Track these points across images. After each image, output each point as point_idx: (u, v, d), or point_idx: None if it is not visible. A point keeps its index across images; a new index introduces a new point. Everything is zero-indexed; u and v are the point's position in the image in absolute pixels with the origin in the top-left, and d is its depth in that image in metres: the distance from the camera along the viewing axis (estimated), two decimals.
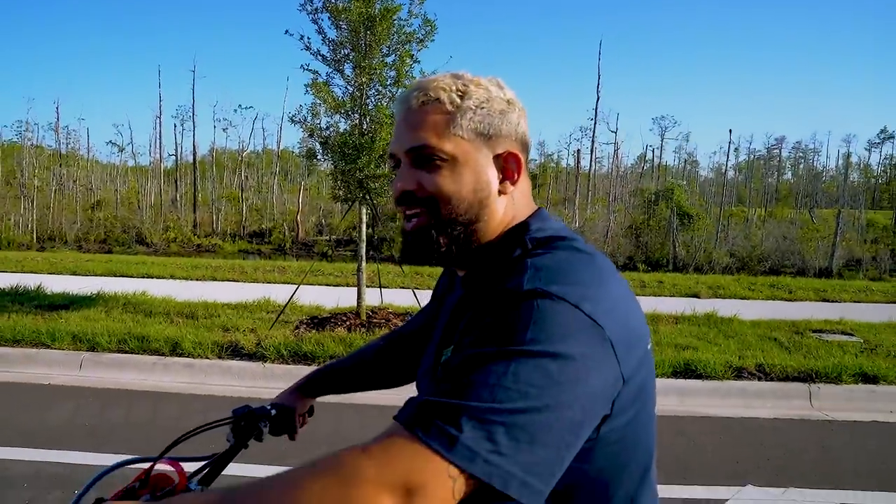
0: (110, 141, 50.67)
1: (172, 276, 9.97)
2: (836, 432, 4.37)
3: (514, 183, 1.00)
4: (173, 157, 39.82)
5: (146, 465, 1.09)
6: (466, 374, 0.76)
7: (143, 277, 9.79)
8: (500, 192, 0.99)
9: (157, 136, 35.59)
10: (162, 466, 1.09)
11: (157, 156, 36.89)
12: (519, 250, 0.93)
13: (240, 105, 64.07)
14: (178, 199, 34.58)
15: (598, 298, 0.81)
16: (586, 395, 0.77)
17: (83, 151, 39.72)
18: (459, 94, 0.96)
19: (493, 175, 0.98)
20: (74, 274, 10.05)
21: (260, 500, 0.71)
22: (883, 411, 4.76)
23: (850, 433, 4.36)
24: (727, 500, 3.16)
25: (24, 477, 3.31)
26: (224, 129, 55.26)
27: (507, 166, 0.99)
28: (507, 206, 1.00)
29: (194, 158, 34.22)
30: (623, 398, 0.83)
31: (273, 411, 1.34)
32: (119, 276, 9.80)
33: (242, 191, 34.38)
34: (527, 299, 0.79)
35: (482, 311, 0.84)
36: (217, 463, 1.21)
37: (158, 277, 9.87)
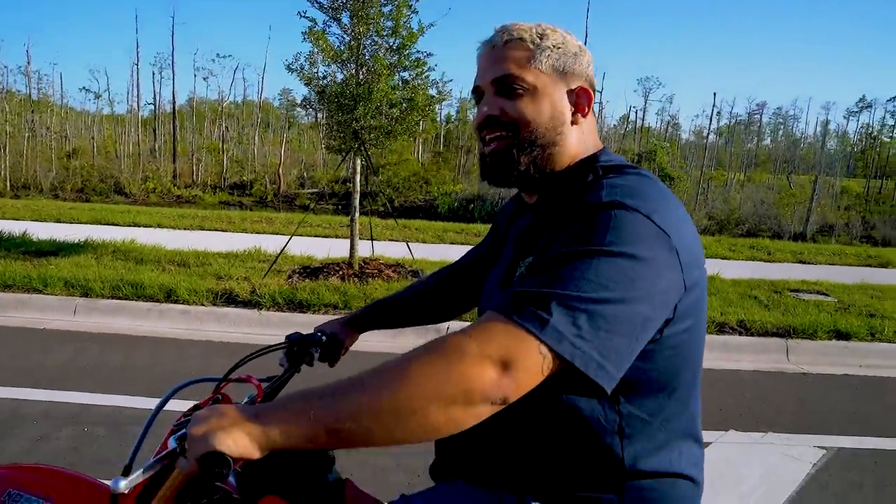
0: (84, 87, 49.27)
1: (160, 225, 9.92)
2: (810, 384, 4.59)
3: (584, 115, 1.11)
4: (151, 106, 38.99)
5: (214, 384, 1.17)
6: (554, 268, 0.86)
7: (130, 226, 9.74)
8: (573, 123, 1.09)
9: (135, 84, 34.57)
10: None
11: (135, 104, 35.99)
12: (591, 175, 1.03)
13: (219, 54, 62.36)
14: (157, 149, 33.93)
15: (665, 213, 0.92)
16: (655, 293, 0.88)
17: (56, 98, 38.65)
18: (539, 35, 1.06)
19: (567, 107, 1.08)
20: (59, 221, 9.95)
21: (381, 377, 0.81)
22: (853, 365, 5.00)
23: (824, 385, 4.59)
24: (711, 442, 3.35)
25: (34, 415, 3.38)
26: (205, 79, 54.11)
27: (580, 101, 1.10)
28: (578, 137, 1.11)
29: (174, 108, 33.50)
30: (683, 305, 0.94)
31: (323, 338, 1.43)
32: (105, 225, 9.73)
33: (223, 142, 33.84)
34: (606, 209, 0.90)
35: (565, 220, 0.94)
36: (276, 385, 1.28)
37: (145, 226, 9.82)
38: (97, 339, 4.78)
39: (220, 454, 0.82)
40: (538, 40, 1.06)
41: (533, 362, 0.81)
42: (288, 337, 1.40)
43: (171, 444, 0.96)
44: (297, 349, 1.38)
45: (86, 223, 9.83)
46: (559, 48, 1.07)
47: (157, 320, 5.24)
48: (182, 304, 5.43)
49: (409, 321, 1.58)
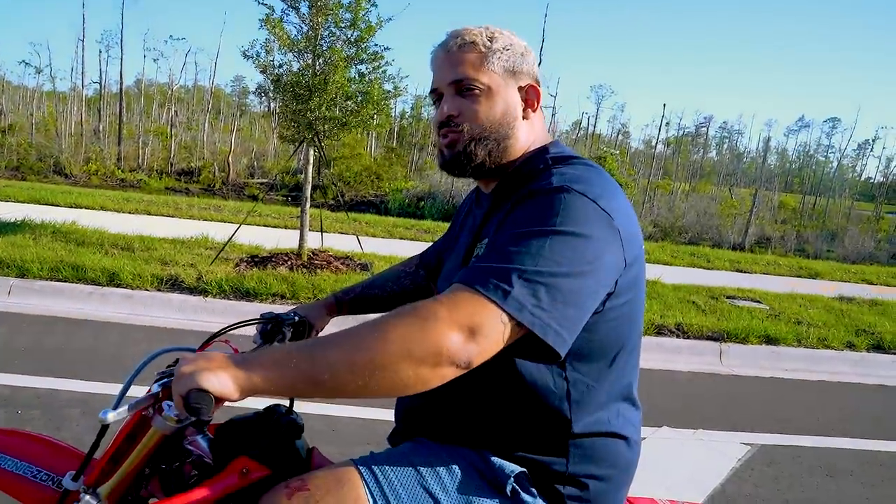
0: (23, 61, 47.06)
1: (103, 208, 9.61)
2: (740, 385, 4.82)
3: (534, 110, 1.22)
4: (97, 85, 37.60)
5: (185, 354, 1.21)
6: (512, 245, 0.96)
7: (72, 207, 9.39)
8: (524, 118, 1.20)
9: (80, 61, 33.16)
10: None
11: (79, 82, 34.61)
12: (542, 165, 1.14)
13: (171, 35, 60.57)
14: (102, 130, 32.74)
15: (609, 198, 1.03)
16: (601, 268, 0.98)
17: None
18: (489, 38, 1.17)
19: (518, 103, 1.19)
20: None
21: (359, 334, 0.90)
22: (781, 369, 5.27)
23: (752, 386, 4.82)
24: (646, 437, 3.49)
25: None
26: (155, 60, 52.52)
27: (529, 97, 1.21)
28: (529, 131, 1.21)
29: (120, 88, 32.42)
30: (624, 280, 1.05)
31: (296, 318, 1.48)
32: (44, 205, 9.36)
33: (172, 126, 32.92)
34: (556, 193, 1.01)
35: (519, 204, 1.04)
36: None
37: (88, 208, 9.49)
38: (34, 321, 4.63)
39: (204, 391, 0.88)
40: (489, 43, 1.16)
41: (496, 330, 0.90)
42: (262, 315, 1.46)
43: (155, 388, 1.01)
44: (271, 327, 1.44)
45: (23, 202, 9.45)
46: (508, 50, 1.17)
47: (98, 303, 5.11)
48: (125, 288, 5.30)
49: (384, 306, 1.63)
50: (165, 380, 1.03)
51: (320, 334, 1.58)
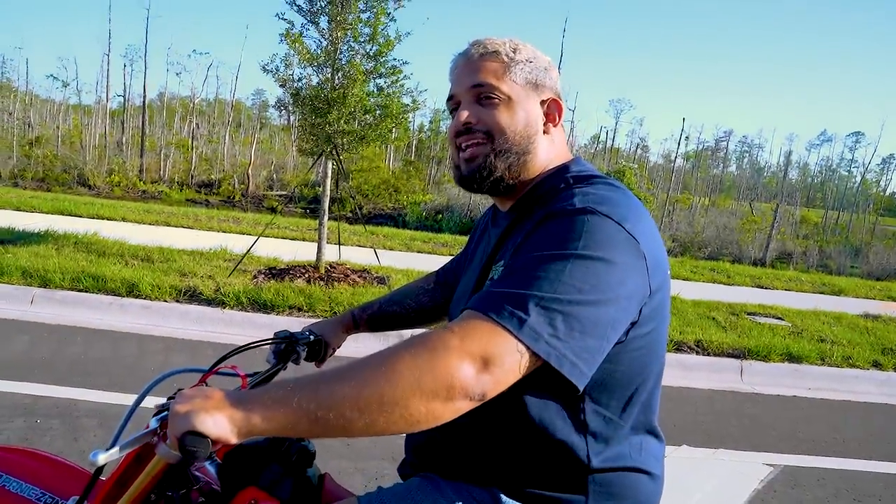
0: (51, 75, 48.01)
1: (124, 219, 9.74)
2: (761, 404, 4.73)
3: (555, 125, 1.17)
4: (121, 98, 38.23)
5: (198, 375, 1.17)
6: (530, 270, 0.90)
7: (93, 218, 9.52)
8: (545, 132, 1.15)
9: (105, 75, 33.77)
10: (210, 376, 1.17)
11: (104, 95, 35.22)
12: (562, 184, 1.08)
13: (194, 50, 61.57)
14: (124, 142, 33.26)
15: (634, 221, 0.97)
16: (625, 296, 0.92)
17: (20, 83, 37.67)
18: (512, 49, 1.13)
19: (539, 117, 1.15)
20: (18, 210, 9.69)
21: (365, 368, 0.84)
22: (804, 388, 5.17)
23: (774, 406, 4.73)
24: (665, 456, 3.43)
25: None
26: (177, 74, 53.33)
27: (550, 111, 1.16)
28: (549, 147, 1.16)
29: (144, 101, 32.90)
30: (648, 309, 0.98)
31: (311, 337, 1.44)
32: (67, 216, 9.50)
33: (193, 139, 33.35)
34: (579, 214, 0.95)
35: (539, 226, 0.99)
36: (261, 380, 1.29)
37: (109, 219, 9.62)
38: (55, 330, 4.68)
39: (200, 434, 0.83)
40: (512, 54, 1.12)
41: (511, 360, 0.84)
42: (276, 334, 1.42)
43: (153, 423, 0.97)
44: (285, 346, 1.40)
45: (47, 213, 9.60)
46: (531, 62, 1.13)
47: (118, 314, 5.16)
48: (144, 299, 5.35)
49: (403, 323, 1.60)
50: (164, 413, 0.98)
51: (336, 352, 1.56)
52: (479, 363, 0.83)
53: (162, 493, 1.11)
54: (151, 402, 1.10)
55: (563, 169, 1.14)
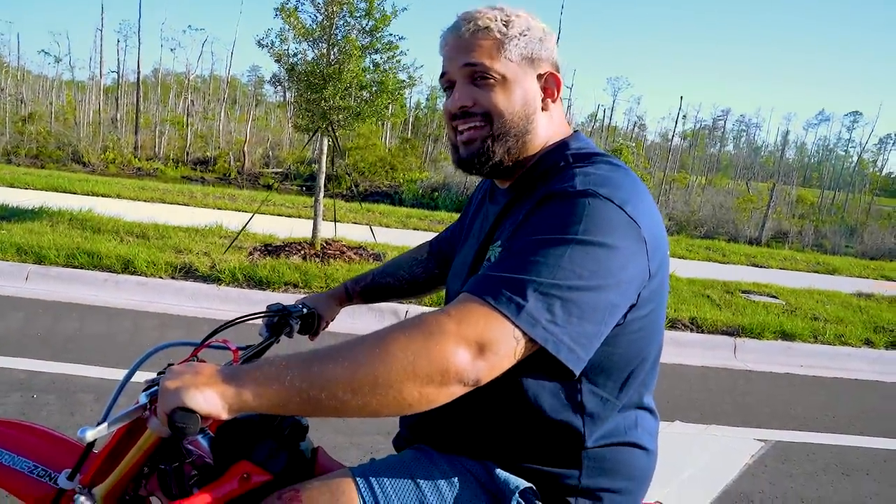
0: (43, 50, 47.50)
1: (119, 196, 9.69)
2: (754, 381, 4.77)
3: (553, 100, 1.12)
4: (114, 75, 37.86)
5: (190, 349, 1.17)
6: (529, 254, 0.89)
7: (88, 195, 9.47)
8: (543, 109, 1.11)
9: (98, 51, 33.41)
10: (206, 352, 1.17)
11: (97, 71, 34.89)
12: (562, 162, 1.06)
13: (189, 25, 60.86)
14: (119, 119, 33.01)
15: (636, 203, 0.95)
16: (625, 281, 0.91)
17: (12, 59, 37.24)
18: (504, 23, 1.07)
19: (537, 93, 1.11)
20: (12, 186, 9.63)
21: (360, 349, 0.83)
22: (796, 365, 5.21)
23: (767, 383, 4.77)
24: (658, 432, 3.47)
25: None
26: (172, 50, 52.78)
27: (548, 86, 1.12)
28: (548, 123, 1.13)
29: (138, 77, 32.58)
30: (647, 291, 0.98)
31: (304, 310, 1.43)
32: (62, 192, 9.45)
33: (188, 116, 33.10)
34: (580, 197, 0.93)
35: (538, 207, 0.96)
36: (254, 353, 1.29)
37: (104, 196, 9.57)
38: (50, 306, 4.68)
39: (190, 410, 0.83)
40: (504, 29, 1.06)
41: (507, 346, 0.83)
42: (269, 307, 1.40)
43: (143, 399, 0.96)
44: (278, 319, 1.39)
45: (41, 189, 9.54)
46: (525, 35, 1.08)
47: (113, 290, 5.15)
48: (140, 275, 5.34)
49: (397, 295, 1.59)
50: (154, 388, 0.97)
51: (329, 326, 1.56)
52: (475, 348, 0.82)
53: (155, 465, 1.11)
54: (143, 376, 1.10)
55: (563, 146, 1.11)
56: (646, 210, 0.97)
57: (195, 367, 0.87)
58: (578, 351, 0.87)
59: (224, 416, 0.83)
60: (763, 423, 3.88)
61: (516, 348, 0.84)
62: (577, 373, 0.87)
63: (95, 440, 1.07)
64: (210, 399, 0.83)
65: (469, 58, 1.06)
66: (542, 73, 1.11)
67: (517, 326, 0.83)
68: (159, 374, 1.03)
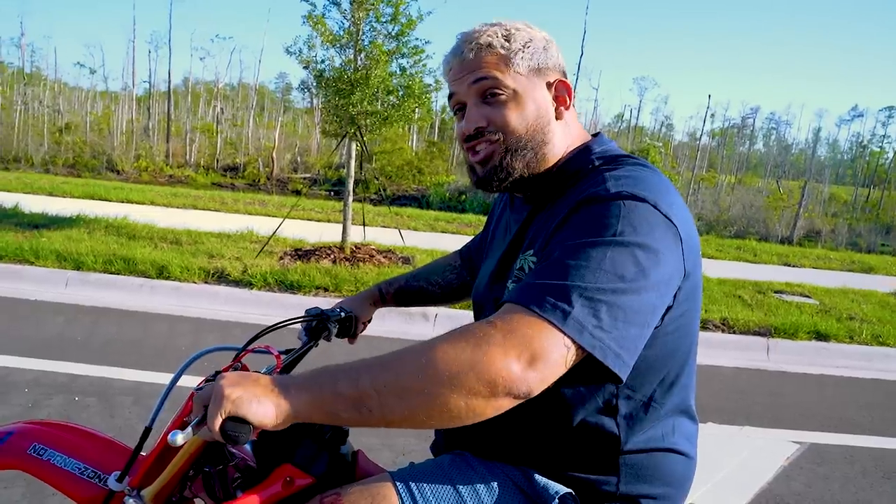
0: (79, 62, 48.70)
1: (153, 203, 9.92)
2: (788, 382, 4.70)
3: (567, 108, 1.11)
4: (146, 84, 38.66)
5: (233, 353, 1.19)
6: (569, 259, 0.88)
7: (123, 202, 9.73)
8: (557, 118, 1.10)
9: (131, 61, 34.22)
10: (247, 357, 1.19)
11: (130, 81, 35.66)
12: (589, 166, 1.05)
13: (217, 34, 61.89)
14: (151, 128, 33.68)
15: (669, 202, 0.95)
16: (664, 281, 0.91)
17: (49, 72, 38.22)
18: (505, 38, 1.06)
19: (549, 103, 1.10)
20: (51, 195, 9.93)
21: (407, 360, 0.83)
22: (832, 366, 5.11)
23: (801, 384, 4.69)
24: None
25: (25, 383, 3.42)
26: (202, 59, 53.67)
27: (559, 93, 1.11)
28: (565, 132, 1.12)
29: (169, 87, 33.29)
30: (682, 292, 0.97)
31: (342, 314, 1.45)
32: (97, 200, 9.72)
33: (217, 123, 33.63)
34: (614, 199, 0.92)
35: (573, 213, 0.96)
36: (294, 358, 1.30)
37: (138, 203, 9.81)
38: (88, 312, 4.81)
39: (242, 420, 0.83)
40: (507, 43, 1.05)
41: (557, 355, 0.82)
42: (307, 311, 1.42)
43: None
44: (317, 324, 1.40)
45: (78, 198, 9.82)
46: (529, 46, 1.07)
47: (148, 296, 5.28)
48: (174, 280, 5.46)
49: (429, 299, 1.60)
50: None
51: (364, 329, 1.57)
52: (525, 360, 0.81)
53: (199, 468, 1.13)
54: (185, 381, 1.14)
55: (586, 150, 1.10)
56: (679, 209, 0.97)
57: (250, 377, 0.87)
58: (624, 356, 0.86)
59: (274, 425, 0.84)
60: (798, 424, 3.82)
61: (567, 356, 0.83)
62: (624, 378, 0.86)
63: (143, 444, 1.12)
64: (266, 409, 0.83)
65: (478, 73, 1.05)
66: (551, 81, 1.10)
67: (565, 334, 0.82)
68: (208, 379, 1.06)
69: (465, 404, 0.80)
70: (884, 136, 54.53)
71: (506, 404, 0.82)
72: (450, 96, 1.11)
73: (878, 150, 52.61)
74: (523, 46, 1.06)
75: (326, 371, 0.86)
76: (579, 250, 0.88)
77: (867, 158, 50.97)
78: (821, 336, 5.51)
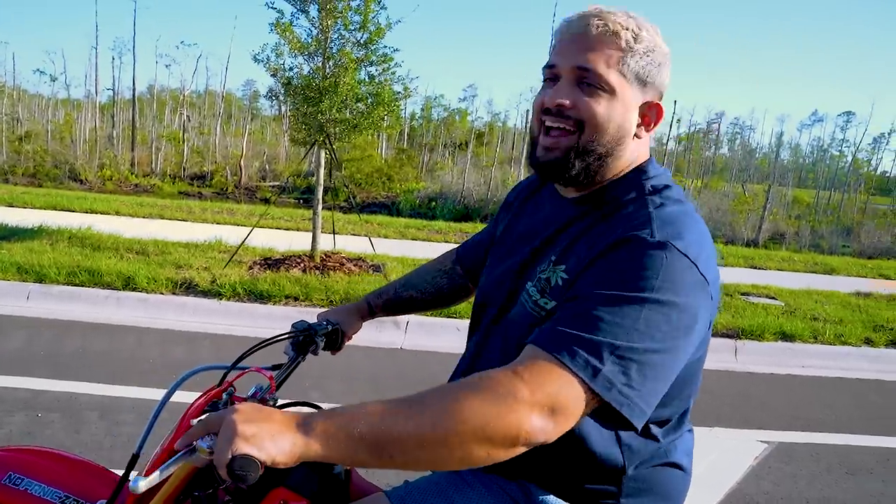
0: (39, 69, 47.61)
1: (117, 213, 9.70)
2: (756, 383, 4.79)
3: (648, 130, 1.08)
4: (110, 92, 38.00)
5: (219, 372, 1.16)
6: (604, 311, 0.88)
7: (87, 213, 9.48)
8: (636, 136, 1.07)
9: (94, 68, 33.51)
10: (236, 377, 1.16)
11: (93, 89, 34.97)
12: (636, 192, 1.04)
13: (183, 41, 61.09)
14: (115, 136, 33.06)
15: (705, 257, 0.95)
16: (691, 341, 0.92)
17: (7, 78, 37.32)
18: (634, 35, 1.01)
19: (635, 119, 1.05)
20: (10, 206, 9.64)
21: (431, 407, 0.81)
22: (798, 366, 5.22)
23: (769, 384, 4.79)
24: None
25: None
26: (167, 66, 52.92)
27: (648, 115, 1.07)
28: (634, 150, 1.08)
29: (133, 94, 32.75)
30: (702, 342, 0.99)
31: (329, 327, 1.43)
32: (60, 210, 9.46)
33: (184, 131, 33.17)
34: (657, 249, 0.91)
35: (612, 250, 0.95)
36: (285, 375, 1.30)
37: (103, 213, 9.57)
38: (52, 325, 4.68)
39: (252, 458, 0.78)
40: (633, 42, 1.01)
41: (578, 407, 0.84)
42: (294, 325, 1.40)
43: (203, 445, 0.85)
44: (303, 338, 1.38)
45: (39, 208, 9.56)
46: (648, 55, 1.02)
47: (114, 308, 5.16)
48: (140, 292, 5.35)
49: (420, 307, 1.57)
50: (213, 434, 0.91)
51: (350, 340, 1.54)
52: (547, 413, 0.81)
53: (189, 492, 1.08)
54: (157, 394, 1.11)
55: (642, 172, 1.08)
56: (712, 263, 0.97)
57: (263, 411, 0.82)
58: (647, 410, 0.87)
59: (286, 463, 0.80)
60: (766, 424, 3.90)
61: (586, 409, 0.84)
62: (640, 428, 0.87)
63: (130, 471, 1.06)
64: (280, 447, 0.79)
65: (586, 61, 1.00)
66: (649, 100, 1.05)
67: (593, 391, 0.83)
68: (205, 411, 1.02)
69: (486, 454, 0.80)
70: (843, 140, 56.10)
71: (522, 451, 0.83)
72: (550, 65, 1.05)
73: (838, 153, 54.09)
74: (644, 52, 1.02)
75: (346, 411, 0.83)
76: (615, 304, 0.88)
77: (828, 162, 52.33)
78: (786, 337, 5.63)
